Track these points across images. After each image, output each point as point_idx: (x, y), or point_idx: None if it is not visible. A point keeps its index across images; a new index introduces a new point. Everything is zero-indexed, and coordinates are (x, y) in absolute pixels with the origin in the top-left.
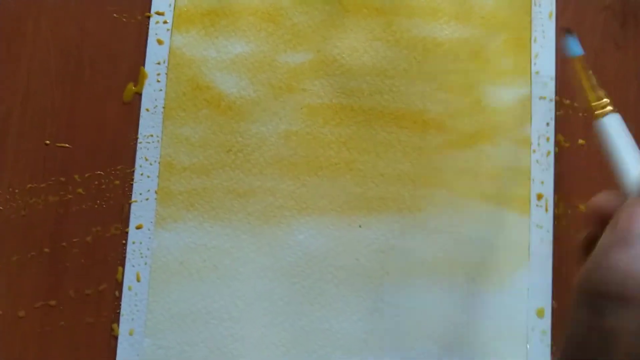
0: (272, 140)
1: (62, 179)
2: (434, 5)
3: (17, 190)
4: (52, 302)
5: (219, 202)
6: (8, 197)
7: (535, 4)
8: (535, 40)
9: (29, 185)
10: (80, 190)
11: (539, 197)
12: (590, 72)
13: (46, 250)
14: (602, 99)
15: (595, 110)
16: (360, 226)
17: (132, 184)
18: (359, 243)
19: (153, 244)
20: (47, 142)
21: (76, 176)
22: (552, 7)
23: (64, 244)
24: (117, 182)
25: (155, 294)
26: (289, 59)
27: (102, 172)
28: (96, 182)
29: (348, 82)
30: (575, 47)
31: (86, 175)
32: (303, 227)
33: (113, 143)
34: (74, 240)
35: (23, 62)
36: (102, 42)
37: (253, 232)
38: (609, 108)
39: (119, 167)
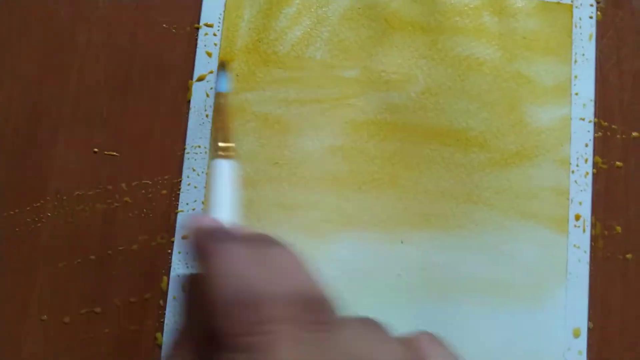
0: (317, 155)
1: (110, 187)
2: (478, 25)
3: (64, 197)
4: (97, 309)
5: (264, 214)
6: (56, 203)
7: (576, 26)
8: (575, 62)
9: (77, 193)
10: (127, 198)
11: (577, 217)
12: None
13: (92, 257)
14: (230, 143)
15: (217, 150)
16: (402, 242)
17: (178, 194)
18: (401, 259)
19: None
20: (96, 150)
21: (123, 184)
22: (593, 29)
23: (110, 251)
24: (164, 191)
25: None
26: (336, 75)
27: (149, 181)
28: (143, 191)
29: (393, 98)
30: (224, 83)
31: (133, 183)
32: (346, 242)
33: (161, 153)
34: (120, 248)
35: (74, 71)
36: (151, 52)
37: (297, 244)
38: (231, 153)
39: (166, 177)
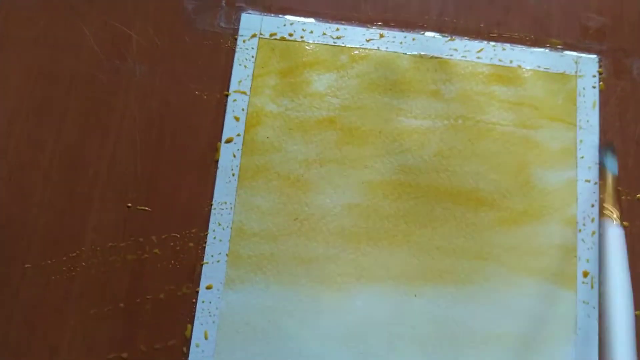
0: (335, 212)
1: (141, 239)
2: (488, 93)
3: (98, 248)
4: (124, 355)
5: (284, 266)
6: (90, 253)
7: (580, 95)
8: (580, 128)
9: (110, 244)
10: (156, 250)
11: (585, 274)
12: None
13: (121, 305)
14: (618, 213)
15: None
16: (415, 295)
17: (204, 247)
18: (414, 312)
19: (221, 304)
20: (129, 204)
21: (153, 237)
22: (596, 98)
23: (138, 300)
24: (191, 244)
25: (221, 352)
26: (354, 138)
27: (177, 235)
28: (172, 244)
29: (407, 160)
30: (613, 166)
31: (163, 236)
32: (361, 294)
33: (189, 208)
34: (148, 297)
35: (111, 131)
36: (183, 115)
37: (315, 296)
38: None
39: (193, 230)
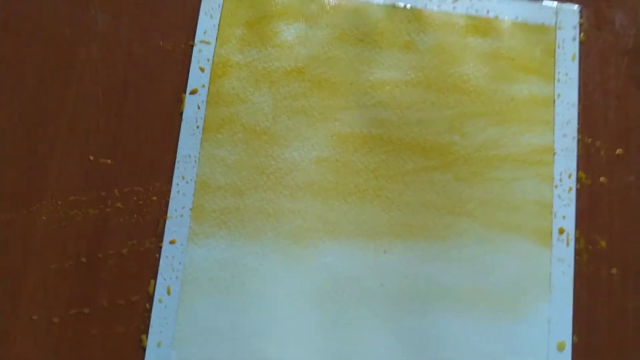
0: (303, 165)
1: (103, 193)
2: (463, 45)
3: (59, 202)
4: (86, 310)
5: (250, 221)
6: (51, 207)
7: (559, 47)
8: (558, 80)
9: (72, 198)
10: (119, 204)
11: (561, 231)
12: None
13: (83, 260)
14: None
15: None
16: (385, 252)
17: (168, 201)
18: (384, 268)
19: (185, 259)
20: (91, 157)
21: (116, 191)
22: (576, 50)
23: (100, 255)
24: (155, 198)
25: (185, 308)
26: (323, 90)
27: (140, 188)
28: (134, 198)
29: (379, 113)
30: None
31: (125, 190)
32: (330, 250)
33: (152, 161)
34: (110, 252)
35: (72, 84)
36: (147, 66)
37: (282, 251)
38: None
39: (157, 184)
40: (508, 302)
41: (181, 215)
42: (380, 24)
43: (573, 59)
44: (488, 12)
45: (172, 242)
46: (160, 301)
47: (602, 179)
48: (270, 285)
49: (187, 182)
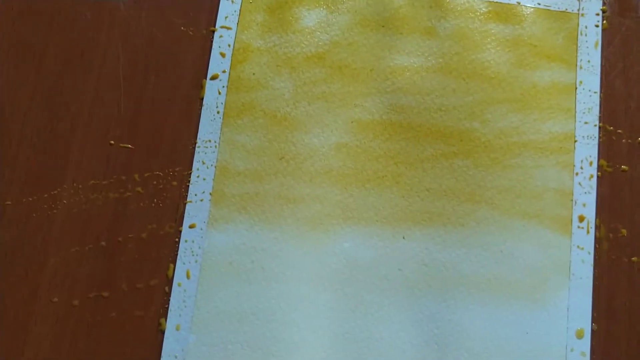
0: (323, 151)
1: (123, 177)
2: (484, 31)
3: (80, 186)
4: (105, 294)
5: (269, 206)
6: (72, 191)
7: (581, 34)
8: (580, 68)
9: (92, 182)
10: (139, 188)
11: (581, 219)
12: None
13: (103, 243)
14: None
15: None
16: (404, 238)
17: (188, 185)
18: (402, 254)
19: (204, 243)
20: (112, 142)
21: (136, 175)
22: (599, 37)
23: (120, 238)
24: (175, 182)
25: (204, 292)
26: (344, 76)
27: (160, 173)
28: (154, 182)
29: (399, 99)
30: None
31: (146, 175)
32: (349, 236)
33: (173, 146)
34: (130, 235)
35: (94, 68)
36: (168, 51)
37: (301, 237)
38: None
39: (177, 169)
40: (527, 289)
41: (201, 200)
42: (401, 10)
43: (595, 46)
44: None
45: (191, 227)
46: (179, 285)
47: (623, 167)
48: (289, 271)
49: (207, 167)
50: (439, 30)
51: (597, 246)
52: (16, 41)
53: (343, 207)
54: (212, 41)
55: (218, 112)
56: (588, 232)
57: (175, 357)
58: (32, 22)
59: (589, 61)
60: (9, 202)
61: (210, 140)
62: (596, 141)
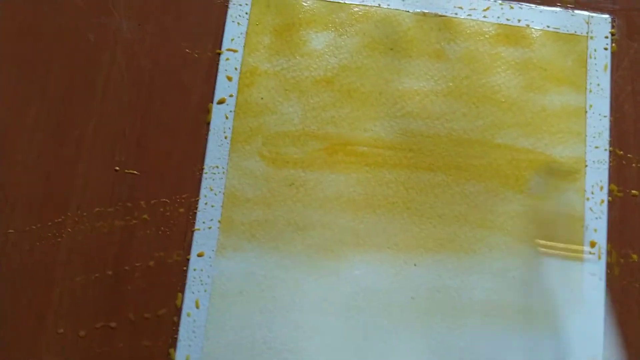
0: (332, 177)
1: (129, 204)
2: (494, 54)
3: (85, 213)
4: (112, 324)
5: (279, 233)
6: (76, 219)
7: (590, 57)
8: (590, 91)
9: (97, 209)
10: (145, 216)
11: (592, 244)
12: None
13: (109, 272)
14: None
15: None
16: (415, 265)
17: (196, 213)
18: (414, 281)
19: (213, 271)
20: (117, 168)
21: (142, 202)
22: (608, 60)
23: (126, 267)
24: (182, 210)
25: (213, 321)
26: (353, 100)
27: (167, 200)
28: (161, 209)
29: (408, 124)
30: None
31: (152, 202)
32: (360, 263)
33: (179, 172)
34: (137, 264)
35: (98, 90)
36: (173, 75)
37: (311, 264)
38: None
39: (184, 196)
40: (539, 316)
41: (209, 228)
42: (409, 32)
43: (605, 69)
44: (519, 20)
45: (200, 255)
46: (188, 315)
47: (633, 191)
48: (300, 299)
49: (216, 194)
50: (448, 53)
51: (608, 272)
52: (18, 63)
53: (354, 234)
54: (218, 64)
55: (225, 137)
56: (599, 257)
57: None
58: (35, 43)
59: (598, 84)
60: (12, 231)
61: (217, 167)
62: (607, 166)
